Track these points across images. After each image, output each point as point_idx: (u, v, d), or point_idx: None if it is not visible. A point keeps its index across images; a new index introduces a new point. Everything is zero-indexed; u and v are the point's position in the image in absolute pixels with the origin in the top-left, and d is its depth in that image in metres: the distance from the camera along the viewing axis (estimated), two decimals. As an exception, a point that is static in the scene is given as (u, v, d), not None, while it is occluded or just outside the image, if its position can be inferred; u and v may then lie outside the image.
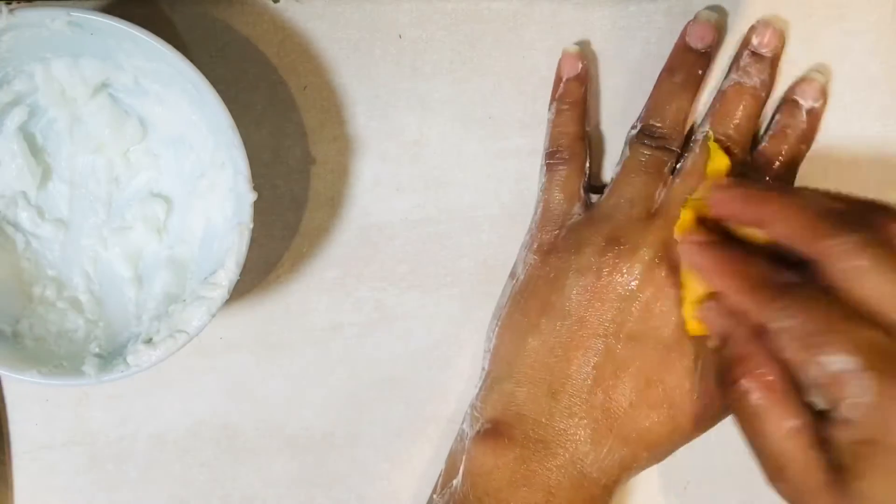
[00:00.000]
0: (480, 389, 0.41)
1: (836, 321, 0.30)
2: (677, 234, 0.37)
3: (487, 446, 0.39)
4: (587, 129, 0.42)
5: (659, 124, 0.40)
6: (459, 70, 0.42)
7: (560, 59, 0.42)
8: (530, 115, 0.43)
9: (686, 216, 0.37)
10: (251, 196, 0.37)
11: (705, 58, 0.41)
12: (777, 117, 0.41)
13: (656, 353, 0.38)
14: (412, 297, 0.43)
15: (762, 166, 0.40)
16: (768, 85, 0.41)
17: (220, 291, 0.37)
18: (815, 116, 0.41)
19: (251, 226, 0.37)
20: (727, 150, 0.40)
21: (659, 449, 0.39)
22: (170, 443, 0.44)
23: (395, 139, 0.43)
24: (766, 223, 0.34)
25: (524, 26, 0.42)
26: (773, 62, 0.41)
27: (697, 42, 0.41)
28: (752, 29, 0.41)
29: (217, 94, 0.36)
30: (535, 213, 0.42)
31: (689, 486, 0.45)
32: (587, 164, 0.42)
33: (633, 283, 0.38)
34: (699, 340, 0.38)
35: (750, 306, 0.33)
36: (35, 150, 0.41)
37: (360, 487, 0.44)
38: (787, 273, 0.33)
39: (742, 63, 0.41)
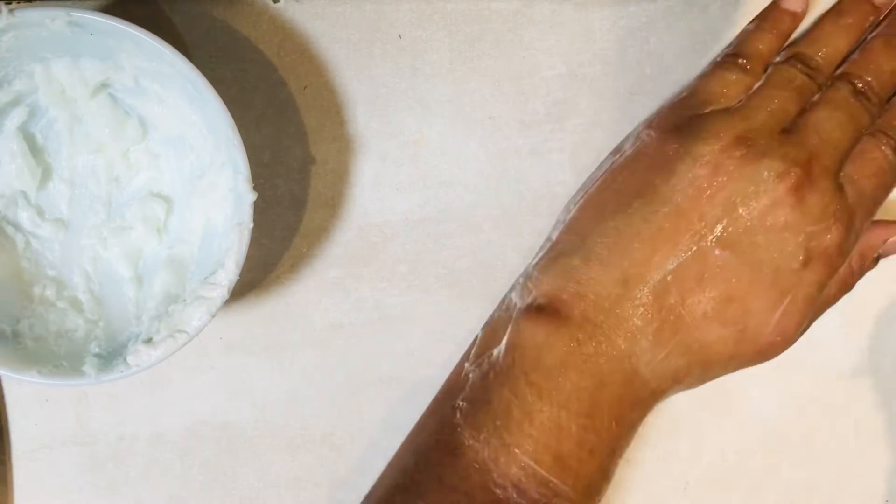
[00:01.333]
0: (541, 259, 0.39)
1: None
2: None
3: (540, 321, 0.37)
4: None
5: (814, 55, 0.40)
6: (459, 70, 0.42)
7: None
8: (530, 115, 0.43)
9: None
10: (251, 196, 0.37)
11: (877, 10, 0.41)
12: None
13: (749, 271, 0.37)
14: (412, 297, 0.43)
15: (889, 123, 0.40)
16: None
17: (220, 291, 0.37)
18: None
19: (251, 226, 0.37)
20: (866, 97, 0.39)
21: (713, 369, 0.38)
22: (170, 443, 0.44)
23: (395, 139, 0.43)
24: None
25: (524, 26, 0.42)
26: None
27: None
28: None
29: (217, 94, 0.36)
30: (676, 95, 0.41)
31: (689, 487, 0.45)
32: (754, 87, 0.40)
33: (749, 191, 0.36)
34: (798, 275, 0.37)
35: None
36: (35, 150, 0.41)
37: (360, 487, 0.44)
38: None
39: (893, 16, 0.40)
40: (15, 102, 0.40)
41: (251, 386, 0.44)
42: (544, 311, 0.38)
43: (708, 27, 0.42)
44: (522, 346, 0.37)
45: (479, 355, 0.39)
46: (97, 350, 0.39)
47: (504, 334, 0.39)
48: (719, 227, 0.37)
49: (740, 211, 0.37)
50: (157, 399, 0.43)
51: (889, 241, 0.41)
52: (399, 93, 0.42)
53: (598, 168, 0.41)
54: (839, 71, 0.40)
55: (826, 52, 0.40)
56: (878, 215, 0.41)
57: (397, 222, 0.43)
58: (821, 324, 0.41)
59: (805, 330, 0.39)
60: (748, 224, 0.37)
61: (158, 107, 0.40)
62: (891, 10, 0.41)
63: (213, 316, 0.37)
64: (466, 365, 0.40)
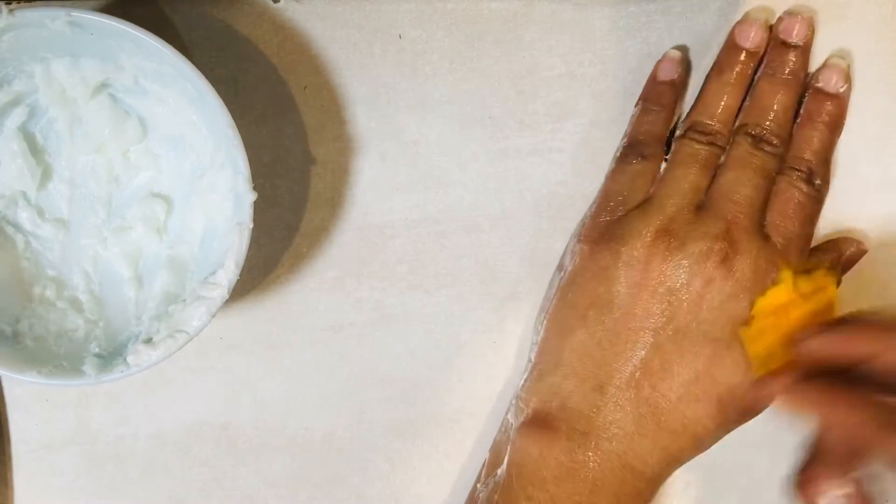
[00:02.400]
0: (526, 381, 0.41)
1: None
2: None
3: (532, 437, 0.39)
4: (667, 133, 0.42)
5: (709, 121, 0.41)
6: (459, 70, 0.42)
7: (659, 61, 0.42)
8: (530, 115, 0.43)
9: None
10: (251, 196, 0.37)
11: (753, 57, 0.41)
12: (804, 105, 0.41)
13: (705, 348, 0.38)
14: (412, 297, 0.43)
15: (795, 157, 0.40)
16: (801, 74, 0.41)
17: (220, 291, 0.37)
18: (840, 102, 0.41)
19: (251, 226, 0.37)
20: (766, 142, 0.40)
21: (706, 441, 0.39)
22: (170, 443, 0.44)
23: (395, 139, 0.43)
24: (881, 357, 0.34)
25: (524, 26, 0.42)
26: (804, 51, 0.41)
27: (745, 41, 0.41)
28: (780, 20, 0.41)
29: (217, 94, 0.36)
30: (594, 202, 0.42)
31: (689, 487, 0.45)
32: (661, 168, 0.41)
33: (682, 277, 0.38)
34: (751, 337, 0.38)
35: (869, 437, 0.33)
36: (35, 150, 0.41)
37: (360, 487, 0.44)
38: None
39: (773, 55, 0.41)
40: (15, 102, 0.40)
41: (251, 386, 0.44)
42: (535, 426, 0.39)
43: (708, 27, 0.42)
44: (520, 462, 0.39)
45: (486, 476, 0.41)
46: (97, 350, 0.39)
47: (505, 454, 0.40)
48: (666, 318, 0.38)
49: (681, 298, 0.38)
50: (157, 399, 0.43)
51: (843, 258, 0.42)
52: (399, 93, 0.42)
53: (550, 287, 0.43)
54: (737, 123, 0.41)
55: (718, 113, 0.41)
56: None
57: (397, 222, 0.43)
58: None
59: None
60: (691, 307, 0.38)
61: (158, 107, 0.40)
62: (768, 48, 0.41)
63: (213, 316, 0.37)
64: (478, 486, 0.42)
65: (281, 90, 0.42)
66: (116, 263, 0.41)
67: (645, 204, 0.40)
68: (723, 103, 0.41)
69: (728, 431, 0.40)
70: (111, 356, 0.38)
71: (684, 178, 0.40)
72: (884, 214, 0.43)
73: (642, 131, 0.42)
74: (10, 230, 0.41)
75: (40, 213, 0.41)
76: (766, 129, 0.40)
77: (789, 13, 0.41)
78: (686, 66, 0.42)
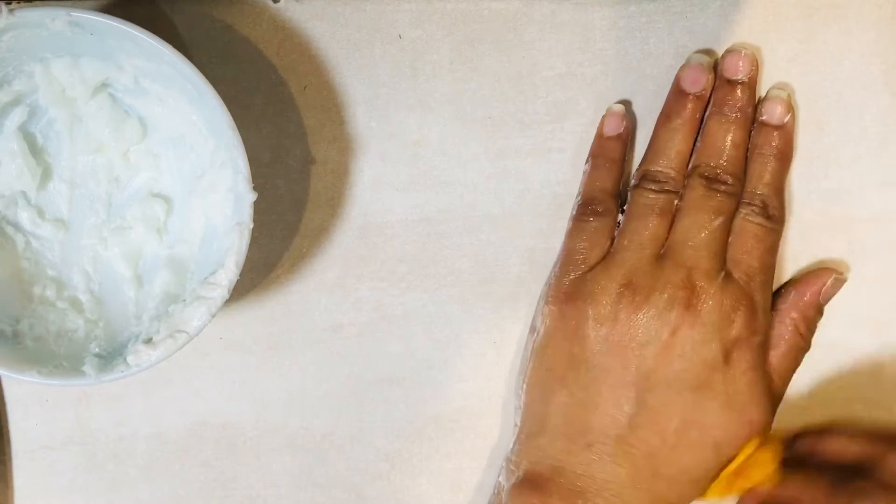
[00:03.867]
0: (515, 444, 0.42)
1: None
2: None
3: (525, 499, 0.39)
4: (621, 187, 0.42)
5: (662, 169, 0.41)
6: (459, 70, 0.42)
7: (603, 117, 0.42)
8: (530, 115, 0.43)
9: None
10: (251, 196, 0.37)
11: (700, 100, 0.41)
12: (751, 140, 0.41)
13: (686, 395, 0.39)
14: (412, 297, 0.43)
15: (748, 192, 0.41)
16: (749, 110, 0.41)
17: (220, 291, 0.37)
18: (786, 132, 0.41)
19: (251, 226, 0.37)
20: (720, 182, 0.40)
21: (703, 484, 0.40)
22: (170, 443, 0.44)
23: (395, 139, 0.43)
24: None
25: (524, 26, 0.42)
26: (750, 86, 0.41)
27: (690, 86, 0.41)
28: (724, 58, 0.41)
29: (217, 94, 0.36)
30: (557, 261, 0.42)
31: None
32: (618, 220, 0.42)
33: (651, 328, 0.39)
34: (729, 371, 0.39)
35: None
36: (35, 150, 0.41)
37: (360, 487, 0.44)
38: None
39: (720, 94, 0.41)
40: (15, 102, 0.40)
41: (251, 386, 0.44)
42: (527, 487, 0.40)
43: (708, 27, 0.42)
44: None
45: None
46: (97, 350, 0.39)
47: None
48: (643, 371, 0.39)
49: (652, 349, 0.39)
50: (157, 399, 0.43)
51: (822, 291, 0.42)
52: (399, 93, 0.42)
53: (525, 349, 0.43)
54: (690, 166, 0.41)
55: (670, 160, 0.41)
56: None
57: (397, 222, 0.43)
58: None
59: (780, 395, 0.41)
60: (664, 358, 0.39)
61: (158, 107, 0.40)
62: (715, 88, 0.41)
63: (213, 316, 0.37)
64: None
65: (281, 90, 0.42)
66: (116, 263, 0.41)
67: (607, 259, 0.40)
68: (674, 149, 0.41)
69: (729, 463, 0.40)
70: (111, 356, 0.38)
71: (642, 230, 0.40)
72: (884, 214, 0.43)
73: (595, 188, 0.42)
74: (10, 230, 0.41)
75: (40, 213, 0.41)
76: (719, 169, 0.40)
77: (731, 51, 0.41)
78: (631, 119, 0.42)
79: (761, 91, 0.42)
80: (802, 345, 0.42)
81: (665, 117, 0.41)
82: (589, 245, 0.41)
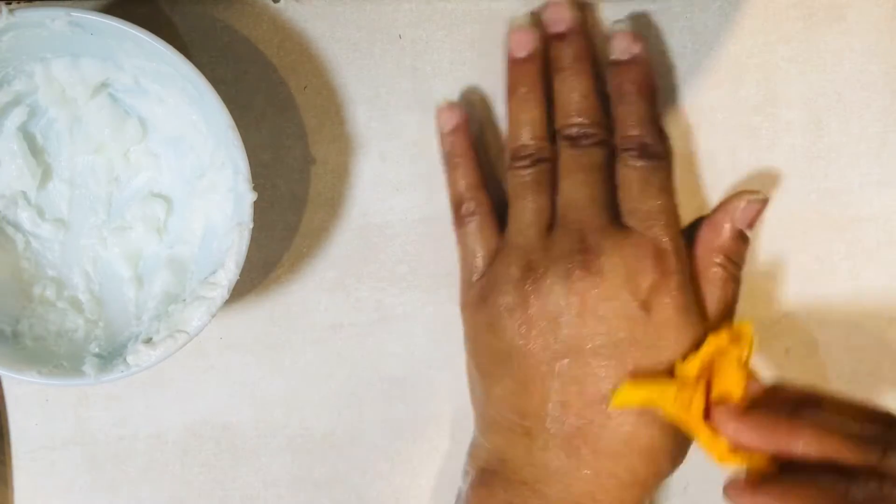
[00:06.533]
0: (469, 448, 0.42)
1: None
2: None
3: (479, 497, 0.39)
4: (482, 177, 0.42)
5: (524, 142, 0.40)
6: (459, 70, 0.42)
7: (436, 114, 0.42)
8: (530, 115, 0.43)
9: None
10: (251, 196, 0.37)
11: (536, 61, 0.40)
12: (608, 85, 0.40)
13: (612, 358, 0.37)
14: (412, 297, 0.43)
15: (621, 137, 0.39)
16: (585, 57, 0.40)
17: (220, 291, 0.37)
18: (640, 64, 0.40)
19: (251, 226, 0.37)
20: (584, 137, 0.39)
21: (659, 454, 0.38)
22: (170, 443, 0.44)
23: (395, 139, 0.43)
24: (797, 450, 0.34)
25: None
26: (578, 33, 0.40)
27: (520, 50, 0.40)
28: (543, 12, 0.40)
29: (217, 94, 0.36)
30: (460, 267, 0.42)
31: (689, 487, 0.45)
32: (493, 208, 0.41)
33: (559, 301, 0.37)
34: (649, 316, 0.37)
35: None
36: (35, 150, 0.41)
37: (360, 487, 0.44)
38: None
39: (552, 51, 0.40)
40: (15, 102, 0.40)
41: (251, 386, 0.44)
42: (476, 484, 0.40)
43: (708, 27, 0.42)
44: None
45: None
46: (97, 350, 0.39)
47: None
48: (561, 345, 0.37)
49: (566, 321, 0.37)
50: (157, 399, 0.43)
51: (738, 218, 0.40)
52: (399, 93, 0.42)
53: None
54: (554, 131, 0.40)
55: (529, 131, 0.40)
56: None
57: (397, 222, 0.43)
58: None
59: (725, 311, 0.39)
60: (578, 326, 0.37)
61: (158, 107, 0.40)
62: (548, 49, 0.40)
63: (213, 316, 0.37)
64: None
65: (281, 90, 0.42)
66: (116, 263, 0.41)
67: (502, 249, 0.40)
68: (528, 118, 0.40)
69: (680, 439, 0.38)
70: (111, 356, 0.38)
71: (525, 209, 0.39)
72: (884, 214, 0.43)
73: (459, 187, 0.41)
74: (10, 230, 0.41)
75: (40, 213, 0.41)
76: (578, 125, 0.39)
77: (549, 4, 0.40)
78: (461, 108, 0.42)
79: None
80: (731, 281, 0.40)
81: (511, 91, 0.41)
82: (477, 244, 0.41)
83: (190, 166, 0.41)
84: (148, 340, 0.37)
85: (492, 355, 0.40)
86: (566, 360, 0.37)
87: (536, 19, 0.41)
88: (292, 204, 0.43)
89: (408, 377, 0.44)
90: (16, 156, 0.40)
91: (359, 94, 0.42)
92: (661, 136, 0.40)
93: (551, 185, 0.40)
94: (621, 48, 0.40)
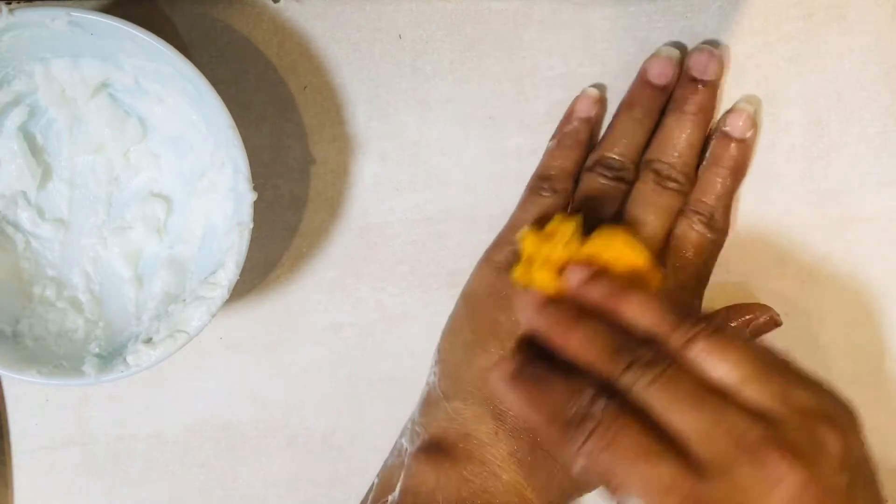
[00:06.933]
0: (423, 404, 0.41)
1: (637, 457, 0.29)
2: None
3: (430, 463, 0.39)
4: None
5: (616, 156, 0.40)
6: (459, 70, 0.42)
7: (576, 98, 0.42)
8: (530, 115, 0.43)
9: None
10: (251, 196, 0.37)
11: (664, 93, 0.41)
12: (709, 148, 0.41)
13: None
14: (412, 297, 0.43)
15: (697, 200, 0.40)
16: (708, 111, 0.41)
17: (220, 291, 0.37)
18: (745, 147, 0.41)
19: (251, 226, 0.37)
20: (671, 179, 0.40)
21: None
22: (170, 443, 0.44)
23: (395, 139, 0.43)
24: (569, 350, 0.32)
25: (524, 26, 0.42)
26: (713, 87, 0.41)
27: (657, 78, 0.41)
28: (691, 55, 0.41)
29: (217, 94, 0.36)
30: (505, 226, 0.42)
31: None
32: (569, 204, 0.41)
33: None
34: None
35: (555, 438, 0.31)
36: (35, 150, 0.41)
37: (360, 487, 0.44)
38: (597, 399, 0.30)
39: (681, 91, 0.41)
40: (15, 102, 0.40)
41: (251, 386, 0.44)
42: (433, 452, 0.39)
43: (708, 27, 0.42)
44: (415, 490, 0.38)
45: (375, 501, 0.40)
46: (97, 350, 0.39)
47: (398, 480, 0.40)
48: None
49: None
50: (157, 399, 0.43)
51: (752, 325, 0.41)
52: (399, 93, 0.42)
53: (455, 307, 0.42)
54: (644, 158, 0.41)
55: (626, 149, 0.40)
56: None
57: (397, 222, 0.43)
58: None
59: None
60: None
61: (158, 107, 0.40)
62: (678, 85, 0.41)
63: (213, 316, 0.37)
64: None
65: (281, 90, 0.42)
66: (116, 263, 0.41)
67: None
68: (632, 139, 0.41)
69: None
70: (111, 356, 0.39)
71: (592, 210, 0.40)
72: (884, 214, 0.43)
73: (555, 166, 0.41)
74: (10, 230, 0.41)
75: (40, 213, 0.41)
76: (671, 167, 0.40)
77: (699, 49, 0.41)
78: (603, 104, 0.42)
79: (730, 99, 0.42)
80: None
81: (627, 106, 0.41)
82: (538, 219, 0.41)
83: (190, 166, 0.41)
84: (148, 340, 0.38)
85: (491, 326, 0.39)
86: None
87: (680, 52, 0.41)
88: (292, 204, 0.43)
89: (408, 377, 0.44)
90: (16, 156, 0.40)
91: (359, 94, 0.42)
92: (728, 217, 0.41)
93: (619, 203, 0.40)
94: (738, 126, 0.41)
